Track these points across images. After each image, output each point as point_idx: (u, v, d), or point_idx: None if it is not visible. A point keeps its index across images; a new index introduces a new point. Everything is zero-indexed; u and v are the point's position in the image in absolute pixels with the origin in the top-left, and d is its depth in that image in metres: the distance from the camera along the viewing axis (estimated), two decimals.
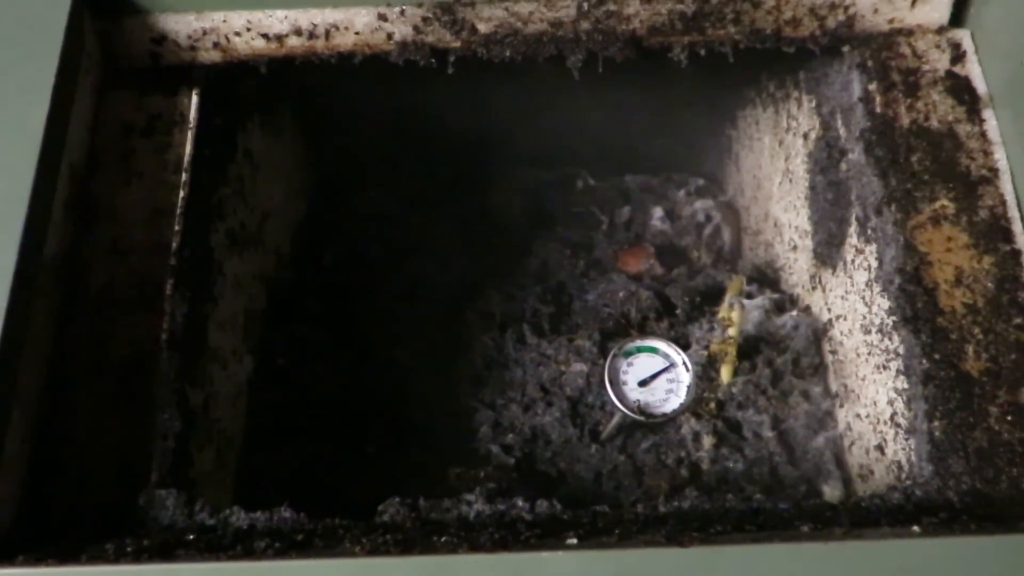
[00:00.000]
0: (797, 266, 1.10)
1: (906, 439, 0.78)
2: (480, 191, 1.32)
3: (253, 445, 0.98)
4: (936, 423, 0.72)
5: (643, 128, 1.36)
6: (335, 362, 1.08)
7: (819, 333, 1.02)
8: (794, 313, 1.05)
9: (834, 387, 0.98)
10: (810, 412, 0.98)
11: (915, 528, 0.62)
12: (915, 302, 0.76)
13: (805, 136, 1.04)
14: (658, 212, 1.33)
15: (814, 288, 1.04)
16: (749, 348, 1.02)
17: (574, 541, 0.62)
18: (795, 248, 1.10)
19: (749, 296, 1.09)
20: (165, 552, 0.64)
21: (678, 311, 1.08)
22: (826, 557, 0.59)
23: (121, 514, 0.70)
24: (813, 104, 1.01)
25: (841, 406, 0.96)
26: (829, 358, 1.00)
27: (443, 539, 0.64)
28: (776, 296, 1.10)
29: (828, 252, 0.99)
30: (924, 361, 0.74)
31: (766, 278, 1.17)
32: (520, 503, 0.69)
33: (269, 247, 1.10)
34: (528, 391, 1.03)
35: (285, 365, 1.06)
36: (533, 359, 1.05)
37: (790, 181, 1.11)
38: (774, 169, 1.17)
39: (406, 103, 1.17)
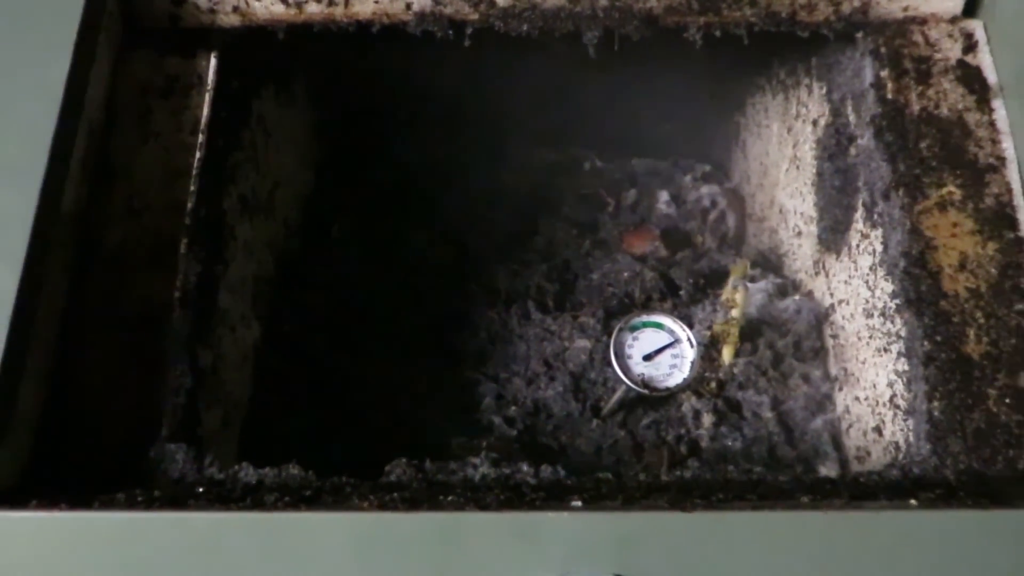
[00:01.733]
0: (801, 252, 1.11)
1: (904, 420, 0.79)
2: (488, 169, 1.33)
3: (258, 410, 0.99)
4: (935, 403, 0.74)
5: (652, 113, 1.37)
6: (341, 332, 1.09)
7: (821, 317, 1.03)
8: (796, 297, 1.06)
9: (834, 371, 0.99)
10: (809, 394, 1.00)
11: (912, 501, 0.64)
12: (919, 285, 0.77)
13: (814, 123, 1.05)
14: (664, 196, 1.34)
15: (817, 273, 1.05)
16: (751, 330, 1.03)
17: (579, 504, 0.63)
18: (799, 234, 1.11)
19: (752, 280, 1.10)
20: (176, 502, 0.65)
21: (682, 292, 1.09)
22: (825, 526, 0.61)
23: (131, 467, 0.72)
24: (824, 91, 1.02)
25: (840, 389, 0.98)
26: (830, 342, 1.01)
27: (449, 498, 0.65)
28: (779, 281, 1.11)
29: (833, 238, 1.00)
30: (926, 343, 0.76)
31: (769, 263, 1.18)
32: (525, 467, 0.71)
33: (279, 216, 1.11)
34: (531, 365, 1.04)
35: (291, 333, 1.07)
36: (537, 334, 1.07)
37: (797, 168, 1.12)
38: (781, 156, 1.18)
39: (417, 81, 1.18)
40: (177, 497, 0.67)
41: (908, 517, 0.62)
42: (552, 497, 0.66)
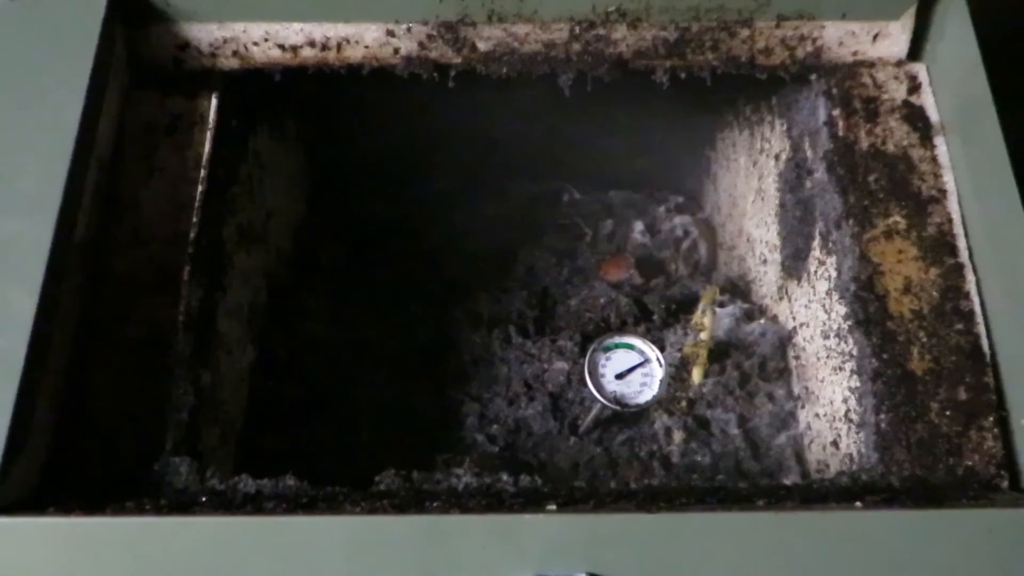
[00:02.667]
0: (767, 278, 1.17)
1: (857, 432, 0.85)
2: (472, 201, 1.39)
3: (253, 429, 1.05)
4: (883, 416, 0.80)
5: (628, 147, 1.44)
6: (331, 355, 1.15)
7: (784, 340, 1.09)
8: (762, 321, 1.13)
9: (796, 390, 1.06)
10: (774, 412, 1.06)
11: (857, 504, 0.70)
12: (867, 307, 0.84)
13: (777, 157, 1.12)
14: (639, 226, 1.41)
15: (781, 298, 1.12)
16: (719, 352, 1.09)
17: (553, 507, 0.69)
18: (765, 261, 1.18)
19: (721, 305, 1.16)
20: (181, 509, 0.70)
21: (655, 317, 1.16)
22: (778, 525, 0.67)
23: (137, 478, 0.77)
24: (784, 127, 1.09)
25: (802, 407, 1.04)
26: (793, 363, 1.08)
27: (435, 504, 0.70)
28: (747, 306, 1.18)
29: (794, 265, 1.07)
30: (874, 360, 0.82)
31: (738, 290, 1.25)
32: (505, 477, 0.76)
33: (272, 244, 1.17)
34: (512, 386, 1.10)
35: (285, 357, 1.13)
36: (518, 357, 1.13)
37: (762, 199, 1.19)
38: (748, 188, 1.25)
39: (404, 117, 1.24)
40: (181, 505, 0.72)
41: (853, 517, 0.68)
42: (529, 503, 0.72)
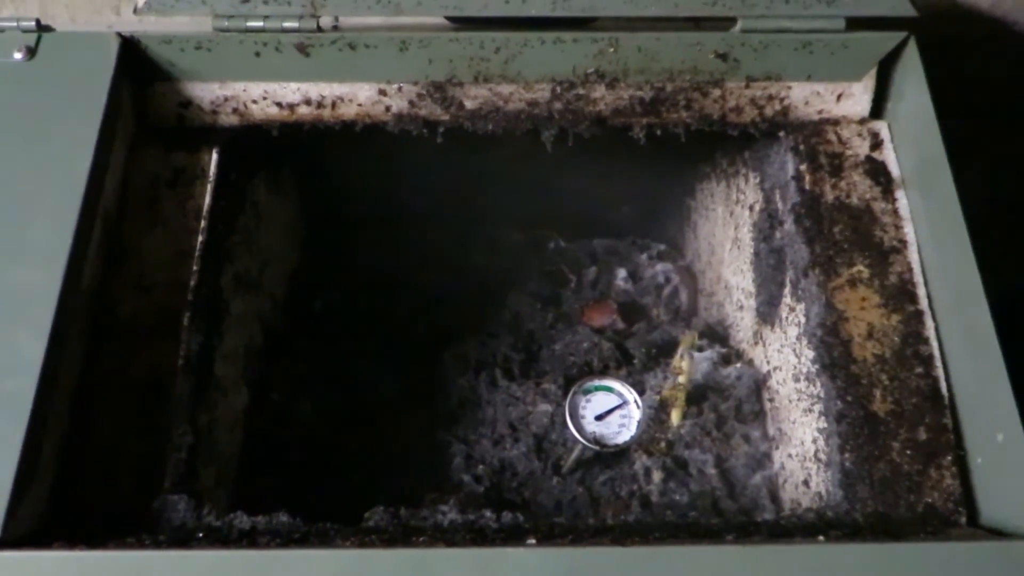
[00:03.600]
0: (743, 324, 1.22)
1: (825, 471, 0.90)
2: (460, 249, 1.44)
3: (247, 469, 1.08)
4: (847, 455, 0.84)
5: (611, 197, 1.50)
6: (324, 399, 1.19)
7: (759, 383, 1.14)
8: (738, 365, 1.17)
9: (771, 431, 1.10)
10: (749, 453, 1.10)
11: (820, 537, 0.74)
12: (832, 352, 0.89)
13: (751, 208, 1.18)
14: (622, 273, 1.46)
15: (756, 343, 1.16)
16: (698, 395, 1.14)
17: (533, 542, 0.73)
18: (741, 308, 1.23)
19: (700, 350, 1.21)
20: (179, 544, 0.74)
21: (635, 361, 1.20)
22: (744, 557, 0.71)
23: (137, 516, 0.80)
24: (758, 180, 1.15)
25: (777, 448, 1.08)
26: (768, 405, 1.12)
27: (421, 538, 0.74)
28: (724, 351, 1.22)
29: (768, 311, 1.12)
30: (839, 402, 0.86)
31: (716, 335, 1.29)
32: (488, 513, 0.80)
33: (267, 291, 1.21)
34: (498, 428, 1.14)
35: (278, 399, 1.17)
36: (503, 399, 1.17)
37: (738, 248, 1.24)
38: (725, 237, 1.30)
39: (396, 171, 1.29)
40: (179, 540, 0.75)
41: (817, 550, 0.72)
42: (511, 537, 0.76)
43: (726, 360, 1.20)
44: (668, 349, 1.23)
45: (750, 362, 1.18)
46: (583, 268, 1.46)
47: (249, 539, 0.76)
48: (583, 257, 1.49)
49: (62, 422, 0.82)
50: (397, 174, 1.33)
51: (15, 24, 0.93)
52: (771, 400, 1.11)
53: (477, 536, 0.76)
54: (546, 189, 1.44)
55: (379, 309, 1.32)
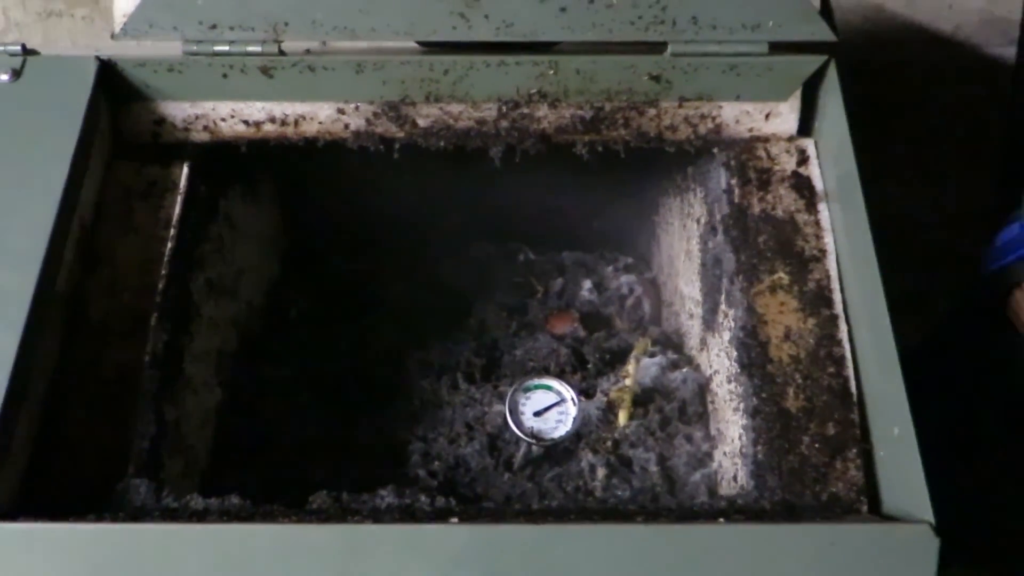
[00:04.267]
0: (693, 331, 1.29)
1: (744, 464, 0.96)
2: (432, 261, 1.52)
3: (218, 464, 1.15)
4: (759, 448, 0.91)
5: (583, 211, 1.57)
6: (294, 399, 1.26)
7: (703, 387, 1.20)
8: (685, 370, 1.23)
9: (712, 431, 1.16)
10: (691, 452, 1.16)
11: (720, 520, 0.80)
12: (751, 352, 0.95)
13: (698, 221, 1.24)
14: (587, 284, 1.52)
15: (702, 349, 1.23)
16: (645, 398, 1.20)
17: (455, 520, 0.80)
18: (692, 316, 1.29)
19: (652, 356, 1.27)
20: (133, 520, 0.81)
21: (590, 365, 1.27)
22: (647, 535, 0.77)
23: (102, 498, 0.87)
24: (702, 195, 1.21)
25: (716, 447, 1.14)
26: (710, 407, 1.18)
27: (356, 518, 0.81)
28: (675, 357, 1.28)
29: (711, 318, 1.18)
30: (754, 399, 0.93)
31: (672, 342, 1.36)
32: (423, 498, 0.87)
33: (243, 298, 1.29)
34: (455, 427, 1.20)
35: (250, 400, 1.24)
36: (462, 401, 1.23)
37: (689, 259, 1.30)
38: (680, 249, 1.37)
39: (372, 185, 1.37)
40: (135, 518, 0.83)
41: (715, 529, 0.78)
42: (439, 518, 0.82)
43: (675, 365, 1.26)
44: (622, 355, 1.29)
45: (697, 367, 1.24)
46: (551, 279, 1.53)
47: (200, 517, 0.83)
48: (551, 269, 1.56)
49: (35, 413, 0.90)
50: (373, 189, 1.40)
51: (2, 49, 1.01)
52: (712, 402, 1.17)
53: (407, 517, 0.82)
54: (520, 205, 1.51)
55: (350, 317, 1.39)
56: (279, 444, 1.20)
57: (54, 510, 0.83)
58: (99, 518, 0.81)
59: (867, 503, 0.87)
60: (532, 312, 1.46)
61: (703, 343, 1.22)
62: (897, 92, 1.71)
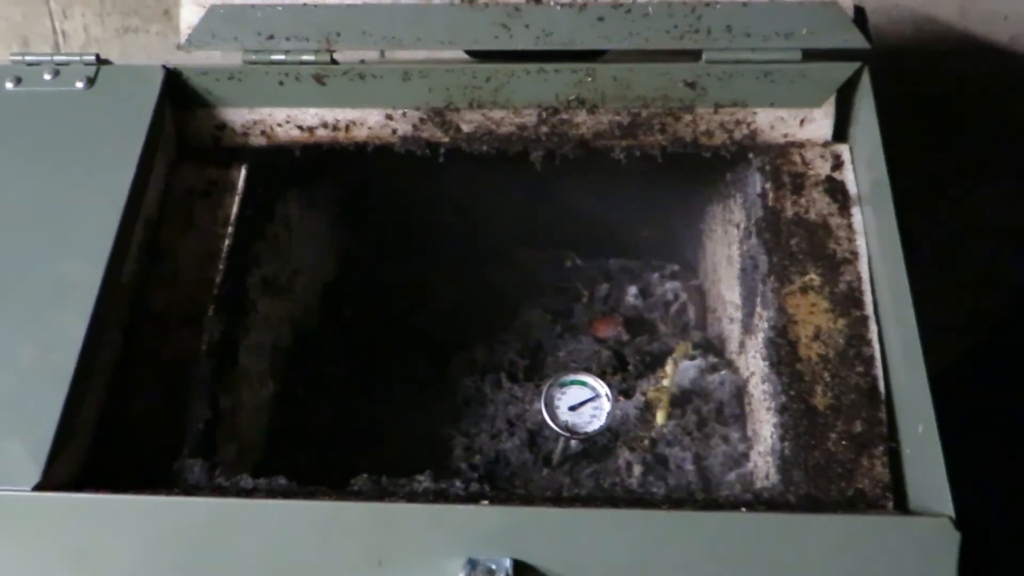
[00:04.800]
0: (733, 335, 1.31)
1: (773, 462, 0.98)
2: (479, 266, 1.56)
3: (271, 453, 1.21)
4: (786, 444, 0.93)
5: (630, 219, 1.60)
6: (343, 395, 1.31)
7: (741, 388, 1.22)
8: (723, 372, 1.26)
9: (749, 432, 1.18)
10: (727, 452, 1.18)
11: (742, 508, 0.82)
12: (780, 351, 0.97)
13: (738, 226, 1.27)
14: (632, 290, 1.55)
15: (741, 352, 1.25)
16: (683, 399, 1.22)
17: (486, 502, 0.83)
18: (732, 320, 1.31)
19: (693, 359, 1.30)
20: (186, 493, 0.87)
21: (630, 367, 1.30)
22: (670, 521, 0.80)
23: (159, 476, 0.93)
24: (741, 200, 1.24)
25: (752, 448, 1.16)
26: (747, 409, 1.20)
27: (392, 499, 0.86)
28: (715, 360, 1.31)
29: (749, 321, 1.20)
30: (782, 396, 0.95)
31: (713, 347, 1.38)
32: (457, 483, 0.91)
33: (299, 297, 1.35)
34: (496, 424, 1.24)
35: (303, 394, 1.30)
36: (504, 399, 1.27)
37: (730, 264, 1.33)
38: (723, 255, 1.39)
39: (422, 193, 1.42)
40: (190, 493, 0.88)
41: (737, 517, 0.81)
42: (470, 501, 0.86)
43: (714, 368, 1.28)
44: (663, 358, 1.31)
45: (735, 370, 1.26)
46: (596, 285, 1.56)
47: (247, 495, 0.88)
48: (598, 275, 1.59)
49: (100, 394, 0.96)
50: (424, 197, 1.46)
51: (79, 59, 1.09)
52: (748, 404, 1.19)
53: (441, 500, 0.86)
54: (569, 214, 1.55)
55: (400, 318, 1.45)
56: (329, 436, 1.26)
57: (115, 484, 0.89)
58: (155, 491, 0.87)
59: (893, 500, 0.88)
60: (577, 316, 1.49)
61: (741, 346, 1.24)
62: (950, 103, 1.70)
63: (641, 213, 1.59)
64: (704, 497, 0.89)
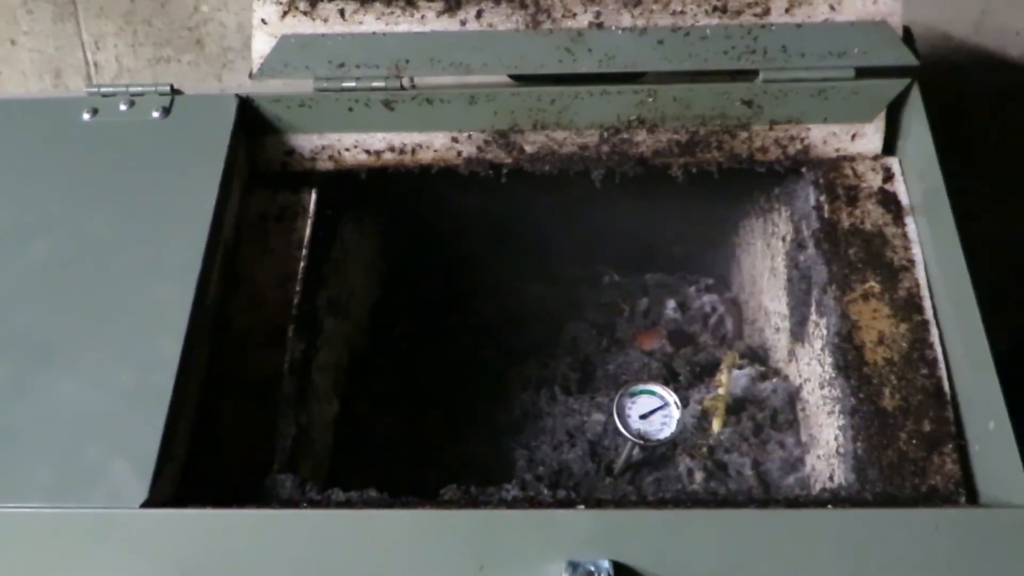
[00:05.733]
0: (780, 344, 1.35)
1: (842, 463, 1.01)
2: (524, 283, 1.60)
3: (336, 470, 1.24)
4: (859, 444, 0.96)
5: (663, 236, 1.64)
6: (404, 411, 1.34)
7: (793, 395, 1.26)
8: (774, 380, 1.29)
9: (804, 437, 1.22)
10: (784, 457, 1.21)
11: (829, 506, 0.86)
12: (847, 356, 1.01)
13: (783, 239, 1.31)
14: (671, 304, 1.59)
15: (790, 360, 1.29)
16: (737, 407, 1.26)
17: (582, 507, 0.87)
18: (778, 330, 1.35)
19: (740, 368, 1.34)
20: (290, 506, 0.89)
21: (681, 378, 1.33)
22: (761, 519, 0.83)
23: (250, 492, 0.96)
24: (788, 214, 1.28)
25: (808, 452, 1.20)
26: (800, 415, 1.24)
27: (487, 507, 0.89)
28: (763, 369, 1.35)
29: (799, 330, 1.24)
30: (852, 399, 0.99)
31: (757, 356, 1.42)
32: (545, 491, 0.94)
33: (353, 316, 1.38)
34: (556, 435, 1.28)
35: (363, 411, 1.33)
36: (561, 412, 1.31)
37: (774, 276, 1.37)
38: (764, 267, 1.43)
39: (465, 213, 1.46)
40: (286, 507, 0.91)
41: (824, 513, 0.85)
42: (563, 506, 0.89)
43: (763, 376, 1.32)
44: (711, 368, 1.36)
45: (785, 378, 1.30)
46: (636, 300, 1.60)
47: (344, 507, 0.91)
48: (636, 290, 1.63)
49: (191, 412, 0.99)
50: (465, 218, 1.49)
51: (154, 89, 1.12)
52: (803, 410, 1.22)
53: (534, 506, 0.90)
54: (604, 230, 1.59)
55: (450, 336, 1.48)
56: (391, 453, 1.29)
57: (210, 500, 0.92)
58: (257, 506, 0.90)
59: (965, 495, 0.92)
60: (620, 330, 1.53)
61: (791, 354, 1.28)
62: (964, 117, 1.76)
63: (673, 230, 1.63)
64: (785, 497, 0.92)
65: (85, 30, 1.89)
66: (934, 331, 1.01)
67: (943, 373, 0.99)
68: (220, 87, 1.91)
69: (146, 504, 0.87)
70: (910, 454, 0.95)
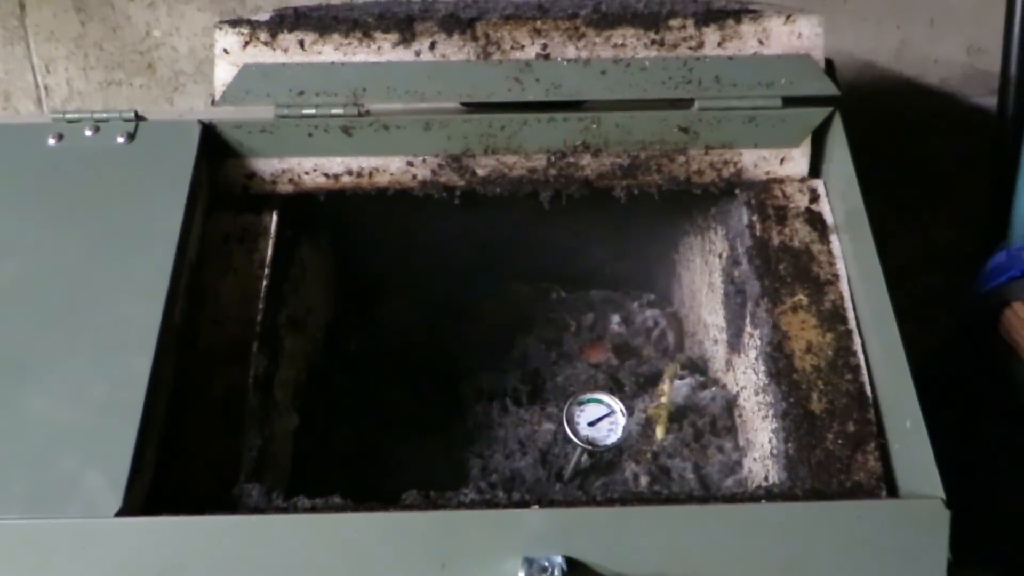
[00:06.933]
0: (718, 355, 1.43)
1: (775, 464, 1.09)
2: (474, 300, 1.66)
3: (295, 482, 1.28)
4: (791, 445, 1.04)
5: (608, 254, 1.72)
6: (358, 424, 1.39)
7: (731, 403, 1.33)
8: (713, 389, 1.37)
9: (741, 442, 1.29)
10: (723, 461, 1.29)
11: (763, 501, 0.94)
12: (778, 364, 1.09)
13: (720, 256, 1.39)
14: (616, 318, 1.66)
15: (728, 370, 1.37)
16: (679, 415, 1.33)
17: (536, 507, 0.93)
18: (716, 342, 1.43)
19: (681, 378, 1.41)
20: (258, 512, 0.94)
21: (626, 388, 1.40)
22: (700, 514, 0.91)
23: (218, 501, 1.00)
24: (724, 232, 1.36)
25: (745, 455, 1.27)
26: (738, 421, 1.31)
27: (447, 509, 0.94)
28: (702, 379, 1.42)
29: (735, 341, 1.32)
30: (783, 403, 1.07)
31: (697, 367, 1.49)
32: (500, 494, 1.00)
33: (311, 334, 1.43)
34: (508, 445, 1.33)
35: (321, 425, 1.37)
36: (513, 422, 1.37)
37: (712, 291, 1.45)
38: (703, 283, 1.52)
39: (416, 235, 1.52)
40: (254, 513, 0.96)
41: (753, 507, 0.92)
42: (519, 507, 0.95)
43: (703, 386, 1.40)
44: (654, 379, 1.43)
45: (723, 386, 1.38)
46: (582, 315, 1.67)
47: (312, 512, 0.96)
48: (582, 305, 1.70)
49: (158, 430, 1.03)
50: (416, 237, 1.55)
51: (118, 115, 1.17)
52: (740, 416, 1.30)
53: (492, 506, 0.96)
54: (550, 249, 1.66)
55: (404, 351, 1.53)
56: (349, 463, 1.33)
57: (180, 509, 0.96)
58: (228, 513, 0.94)
59: (886, 488, 1.00)
60: (567, 344, 1.60)
61: (728, 364, 1.36)
62: (888, 139, 1.88)
63: (615, 247, 1.71)
64: (723, 494, 0.99)
65: (36, 53, 1.91)
66: (857, 339, 1.10)
67: (865, 378, 1.07)
68: (173, 110, 1.95)
69: (120, 513, 0.91)
70: (836, 453, 1.03)
